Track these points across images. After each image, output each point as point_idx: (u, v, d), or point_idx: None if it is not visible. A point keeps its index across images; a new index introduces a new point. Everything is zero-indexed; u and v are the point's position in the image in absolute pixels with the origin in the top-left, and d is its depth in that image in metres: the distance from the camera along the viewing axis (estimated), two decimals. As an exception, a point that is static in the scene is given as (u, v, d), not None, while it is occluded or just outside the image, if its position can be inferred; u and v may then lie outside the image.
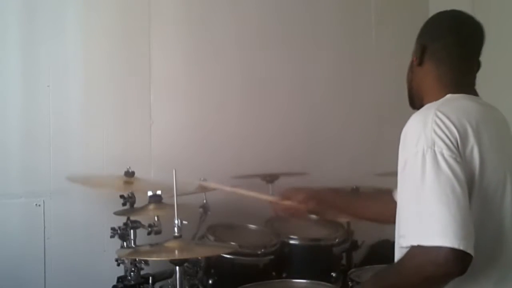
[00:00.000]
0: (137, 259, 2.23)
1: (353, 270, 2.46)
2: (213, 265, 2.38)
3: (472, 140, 1.31)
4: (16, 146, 2.66)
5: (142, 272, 2.27)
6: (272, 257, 2.45)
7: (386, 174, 2.03)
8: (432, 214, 1.22)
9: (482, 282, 1.32)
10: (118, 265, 2.30)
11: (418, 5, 3.60)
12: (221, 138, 3.07)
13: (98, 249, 2.67)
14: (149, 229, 2.19)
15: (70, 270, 2.67)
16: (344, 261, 2.77)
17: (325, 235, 2.63)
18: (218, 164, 2.95)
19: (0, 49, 2.63)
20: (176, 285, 1.90)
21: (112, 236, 2.28)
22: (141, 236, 2.27)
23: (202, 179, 2.30)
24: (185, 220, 1.93)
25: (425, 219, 1.23)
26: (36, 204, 2.66)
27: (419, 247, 1.22)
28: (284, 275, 2.45)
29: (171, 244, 1.87)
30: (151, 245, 1.99)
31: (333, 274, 2.53)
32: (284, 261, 2.51)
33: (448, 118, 1.31)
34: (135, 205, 2.36)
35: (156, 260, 2.19)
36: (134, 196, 2.36)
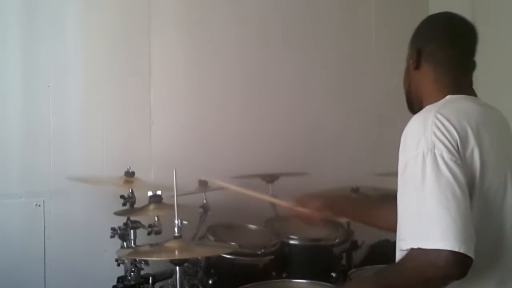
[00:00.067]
0: (137, 259, 2.23)
1: (353, 270, 2.46)
2: (213, 265, 2.38)
3: (472, 142, 1.30)
4: (16, 146, 2.66)
5: (142, 272, 2.27)
6: (272, 257, 2.45)
7: (386, 174, 2.04)
8: (432, 217, 1.21)
9: (484, 283, 1.32)
10: (118, 265, 2.30)
11: (418, 5, 3.60)
12: (221, 138, 3.07)
13: (98, 249, 2.67)
14: (149, 229, 2.19)
15: (70, 270, 2.67)
16: (344, 261, 2.76)
17: (325, 235, 2.63)
18: (218, 164, 2.95)
19: (0, 49, 2.63)
20: (176, 285, 1.90)
21: (112, 236, 2.28)
22: (141, 236, 2.27)
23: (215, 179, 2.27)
24: (185, 220, 1.93)
25: (425, 222, 1.23)
26: (36, 204, 2.67)
27: (419, 249, 1.22)
28: (284, 275, 2.45)
29: (171, 244, 1.87)
30: (151, 245, 1.99)
31: (333, 274, 2.53)
32: (284, 261, 2.51)
33: (448, 120, 1.30)
34: (135, 205, 2.36)
35: (156, 260, 2.19)
36: (134, 196, 2.36)
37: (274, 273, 2.44)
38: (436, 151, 1.26)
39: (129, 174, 2.42)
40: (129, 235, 2.27)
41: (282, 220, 2.65)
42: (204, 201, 2.60)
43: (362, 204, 2.12)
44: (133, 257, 2.21)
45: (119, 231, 2.27)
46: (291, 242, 2.56)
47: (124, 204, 2.35)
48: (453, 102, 1.42)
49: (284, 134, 3.23)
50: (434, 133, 1.28)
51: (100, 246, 2.64)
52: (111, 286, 2.30)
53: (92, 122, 2.81)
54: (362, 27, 3.60)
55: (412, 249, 1.24)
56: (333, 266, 2.58)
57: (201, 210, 2.58)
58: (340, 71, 3.46)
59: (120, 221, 2.30)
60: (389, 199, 1.37)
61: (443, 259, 1.18)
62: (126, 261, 2.27)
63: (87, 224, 2.72)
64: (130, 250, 2.18)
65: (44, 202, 2.68)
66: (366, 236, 2.79)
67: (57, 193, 2.69)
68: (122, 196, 2.36)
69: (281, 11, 3.31)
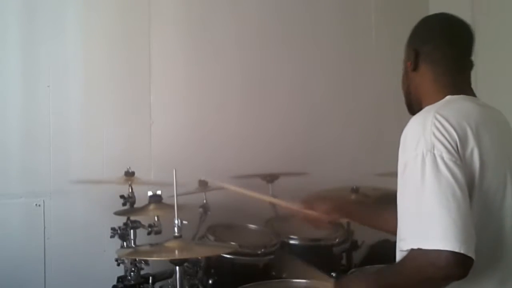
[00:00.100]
0: (137, 259, 2.23)
1: (353, 270, 2.46)
2: (213, 265, 2.38)
3: (472, 142, 1.30)
4: (16, 146, 2.66)
5: (142, 272, 2.28)
6: (272, 257, 2.45)
7: (386, 174, 2.03)
8: (432, 217, 1.21)
9: (484, 283, 1.32)
10: (118, 265, 2.30)
11: (418, 5, 3.60)
12: (221, 138, 3.07)
13: (98, 249, 2.67)
14: (149, 229, 2.19)
15: (70, 270, 2.67)
16: (344, 261, 2.77)
17: (325, 235, 2.62)
18: (218, 164, 2.96)
19: (0, 49, 2.63)
20: (176, 285, 1.90)
21: (112, 236, 2.28)
22: (141, 236, 2.27)
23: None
24: (185, 220, 1.93)
25: (425, 222, 1.23)
26: (36, 204, 2.67)
27: (419, 250, 1.22)
28: (284, 275, 2.45)
29: (171, 244, 1.87)
30: (151, 245, 1.99)
31: (333, 274, 2.52)
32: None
33: (447, 121, 1.30)
34: (135, 205, 2.36)
35: (156, 260, 2.19)
36: (134, 196, 2.36)
37: (274, 273, 2.44)
38: (435, 152, 1.26)
39: (129, 174, 2.42)
40: (129, 235, 2.27)
41: (282, 220, 2.65)
42: (204, 201, 2.60)
43: (370, 207, 2.11)
44: (133, 257, 2.21)
45: (119, 231, 2.27)
46: (291, 242, 2.56)
47: (124, 204, 2.36)
48: (452, 103, 1.42)
49: (284, 134, 3.24)
50: (434, 134, 1.28)
51: (100, 246, 2.64)
52: (111, 286, 2.30)
53: (92, 122, 2.81)
54: (362, 27, 3.60)
55: (412, 250, 1.24)
56: (333, 266, 2.57)
57: (201, 210, 2.58)
58: (340, 71, 3.46)
59: (120, 221, 2.30)
60: (395, 202, 1.37)
61: (443, 259, 1.18)
62: (126, 261, 2.27)
63: (87, 224, 2.72)
64: (130, 250, 2.18)
65: (44, 202, 2.68)
66: (366, 236, 2.79)
67: (57, 193, 2.69)
68: (122, 196, 2.36)
69: (281, 11, 3.31)
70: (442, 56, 1.48)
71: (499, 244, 1.34)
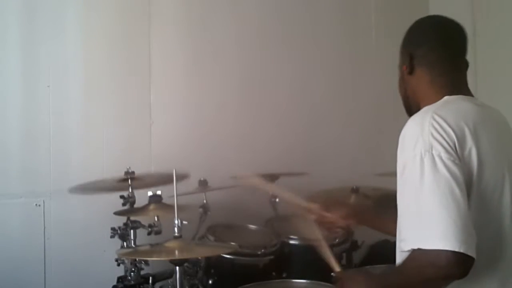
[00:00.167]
0: (137, 259, 2.23)
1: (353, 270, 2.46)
2: (213, 265, 2.38)
3: (470, 142, 1.31)
4: (16, 146, 2.66)
5: (142, 272, 2.27)
6: (272, 257, 2.45)
7: (386, 174, 2.03)
8: (432, 217, 1.22)
9: (485, 282, 1.32)
10: (118, 265, 2.30)
11: (418, 5, 3.60)
12: (221, 138, 3.07)
13: (98, 249, 2.67)
14: (149, 229, 2.19)
15: (70, 270, 2.67)
16: (344, 261, 2.76)
17: (325, 235, 2.62)
18: (218, 164, 2.95)
19: (0, 49, 2.63)
20: (176, 285, 1.90)
21: (112, 236, 2.28)
22: (141, 236, 2.27)
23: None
24: (185, 220, 1.93)
25: (425, 222, 1.23)
26: (36, 204, 2.67)
27: (419, 250, 1.22)
28: (284, 275, 2.45)
29: (171, 244, 1.87)
30: (151, 245, 1.99)
31: (333, 274, 2.52)
32: (284, 261, 2.51)
33: (445, 121, 1.31)
34: (135, 205, 2.36)
35: (156, 260, 2.19)
36: (134, 196, 2.36)
37: (274, 273, 2.44)
38: (434, 152, 1.26)
39: (129, 174, 2.42)
40: (129, 235, 2.27)
41: (282, 220, 2.65)
42: (204, 201, 2.59)
43: (384, 215, 2.12)
44: (133, 257, 2.21)
45: (119, 231, 2.27)
46: (291, 242, 2.56)
47: (124, 204, 2.35)
48: (450, 103, 1.42)
49: (284, 134, 3.24)
50: (432, 134, 1.28)
51: (100, 246, 2.64)
52: (111, 286, 2.30)
53: (92, 122, 2.81)
54: (362, 27, 3.60)
55: (412, 250, 1.25)
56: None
57: (201, 210, 2.58)
58: (340, 71, 3.46)
59: (120, 221, 2.30)
60: (395, 202, 1.37)
61: (443, 259, 1.18)
62: (126, 261, 2.27)
63: (87, 224, 2.72)
64: (130, 250, 2.18)
65: (44, 202, 2.68)
66: (366, 236, 2.78)
67: (57, 193, 2.68)
68: (122, 196, 2.36)
69: (281, 11, 3.31)
70: (437, 57, 1.49)
71: (498, 243, 1.35)
